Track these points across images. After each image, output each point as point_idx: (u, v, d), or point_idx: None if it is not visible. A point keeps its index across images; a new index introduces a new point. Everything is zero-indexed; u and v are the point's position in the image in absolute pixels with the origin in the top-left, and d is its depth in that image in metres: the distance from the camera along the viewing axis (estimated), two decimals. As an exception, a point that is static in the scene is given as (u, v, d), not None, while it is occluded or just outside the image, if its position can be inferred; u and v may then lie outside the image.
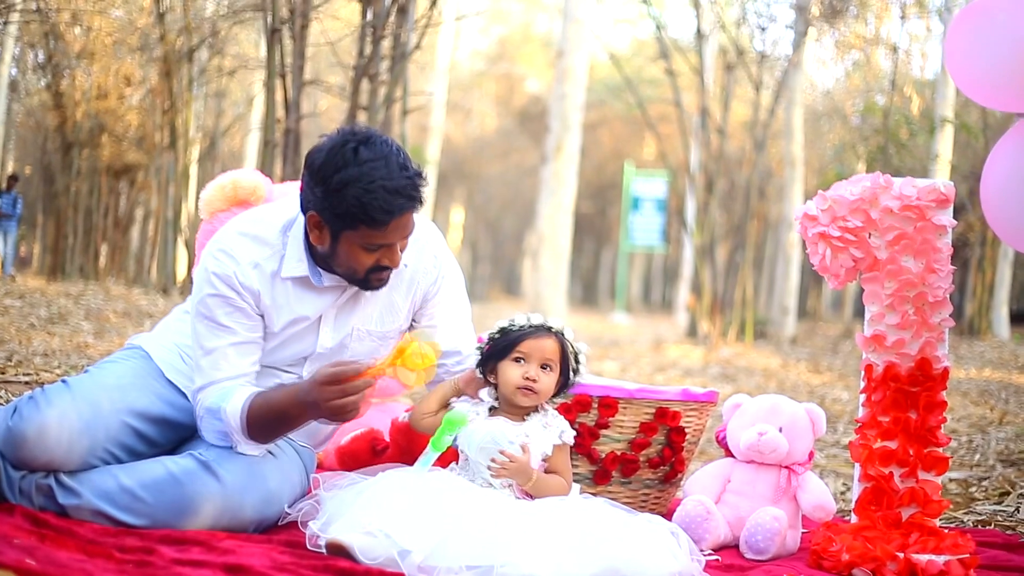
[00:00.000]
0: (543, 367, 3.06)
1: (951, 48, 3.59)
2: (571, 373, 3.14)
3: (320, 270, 3.11)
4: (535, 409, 3.12)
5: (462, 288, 3.44)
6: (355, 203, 2.88)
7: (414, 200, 2.95)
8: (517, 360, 3.07)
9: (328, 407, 2.84)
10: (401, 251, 3.06)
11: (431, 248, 3.31)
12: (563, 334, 3.11)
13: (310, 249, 3.10)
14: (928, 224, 3.24)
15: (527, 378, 3.04)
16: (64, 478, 2.85)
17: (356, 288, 3.15)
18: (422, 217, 3.21)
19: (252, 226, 3.15)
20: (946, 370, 3.29)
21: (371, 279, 3.07)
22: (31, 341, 7.07)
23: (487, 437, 3.00)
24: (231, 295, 3.05)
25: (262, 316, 3.10)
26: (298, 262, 3.09)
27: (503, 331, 3.11)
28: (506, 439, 2.99)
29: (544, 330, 3.09)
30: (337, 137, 2.96)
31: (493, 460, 2.95)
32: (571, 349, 3.12)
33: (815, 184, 21.39)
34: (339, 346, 3.21)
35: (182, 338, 3.24)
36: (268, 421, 2.96)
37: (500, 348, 3.10)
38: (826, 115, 25.29)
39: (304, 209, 3.03)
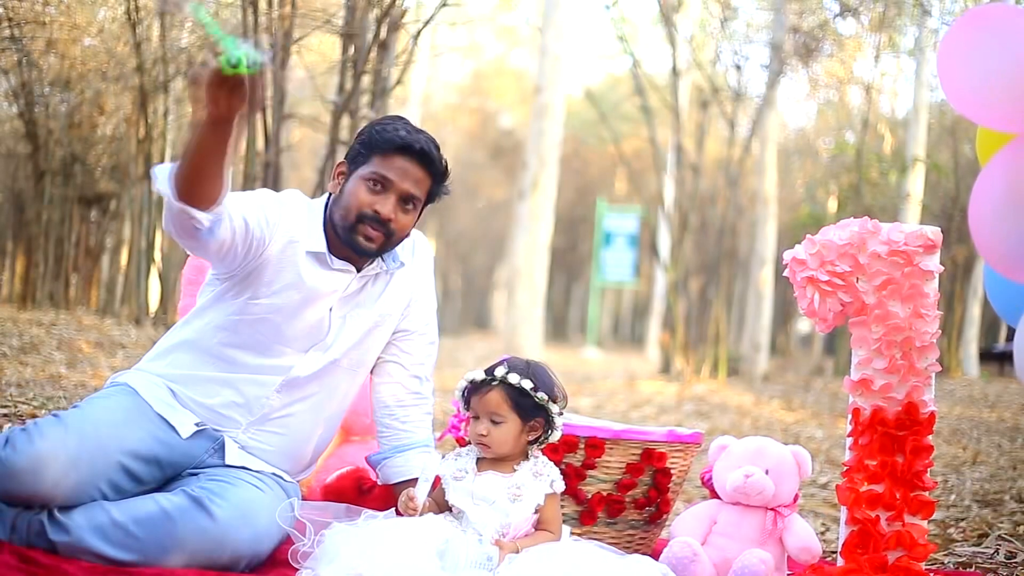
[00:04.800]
0: (493, 421, 3.07)
1: (944, 61, 3.60)
2: (547, 414, 3.11)
3: (332, 256, 3.27)
4: (524, 457, 3.13)
5: (435, 305, 3.63)
6: (377, 130, 3.23)
7: (427, 156, 3.23)
8: (476, 418, 3.11)
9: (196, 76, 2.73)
10: (398, 212, 3.23)
11: (421, 252, 3.53)
12: (507, 380, 3.07)
13: (326, 232, 3.28)
14: (915, 269, 3.26)
15: (478, 434, 3.07)
16: (56, 514, 2.83)
17: (362, 278, 3.33)
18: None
19: (293, 197, 3.35)
20: (932, 414, 3.30)
21: (359, 229, 3.21)
22: (4, 371, 7.01)
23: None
24: (267, 201, 3.22)
25: (260, 249, 3.18)
26: (317, 239, 3.26)
27: (461, 393, 3.16)
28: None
29: (484, 384, 3.09)
30: None
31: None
32: (521, 390, 3.07)
33: (787, 221, 21.52)
34: (342, 326, 3.34)
35: (168, 369, 3.26)
36: (183, 152, 2.85)
37: (466, 409, 3.17)
38: (797, 153, 25.45)
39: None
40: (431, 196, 3.34)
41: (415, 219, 3.31)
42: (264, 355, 3.25)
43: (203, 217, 2.87)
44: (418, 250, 3.51)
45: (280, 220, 3.21)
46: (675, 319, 15.30)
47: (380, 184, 3.19)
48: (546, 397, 3.09)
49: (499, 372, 3.09)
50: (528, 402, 3.07)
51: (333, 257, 3.27)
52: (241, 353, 3.24)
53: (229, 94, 2.66)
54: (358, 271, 3.32)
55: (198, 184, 2.82)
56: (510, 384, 3.06)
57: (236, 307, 3.24)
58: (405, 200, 3.23)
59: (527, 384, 3.06)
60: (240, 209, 3.05)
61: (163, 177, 2.87)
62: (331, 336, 3.31)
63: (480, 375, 3.11)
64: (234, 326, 3.24)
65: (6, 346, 8.44)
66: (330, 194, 3.34)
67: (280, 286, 3.22)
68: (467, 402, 3.14)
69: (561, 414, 3.16)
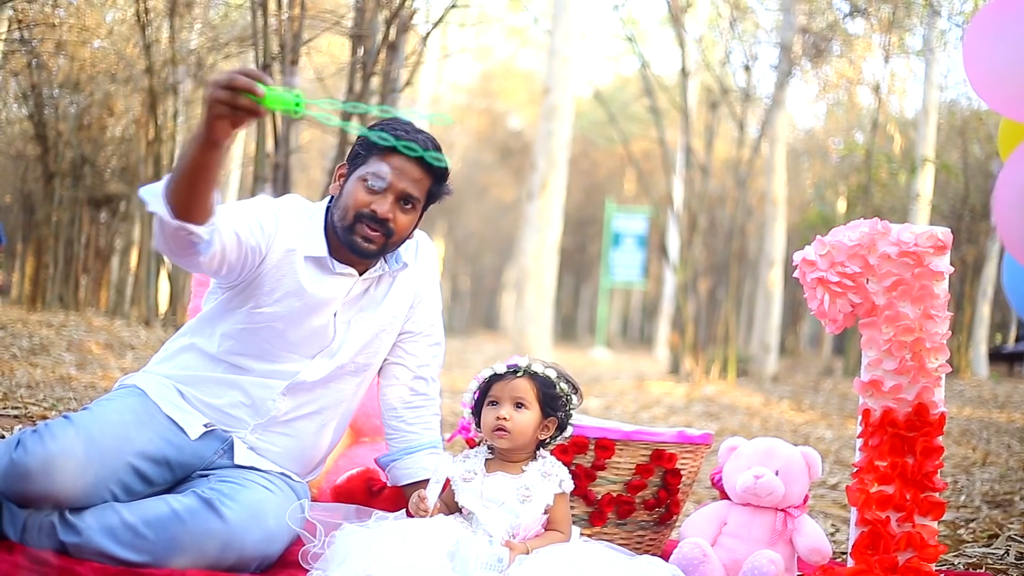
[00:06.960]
0: (517, 406, 3.07)
1: (970, 50, 3.56)
2: (564, 413, 3.13)
3: (334, 260, 3.26)
4: (532, 457, 3.13)
5: (440, 306, 3.60)
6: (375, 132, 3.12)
7: (421, 152, 3.15)
8: (492, 404, 3.10)
9: (209, 96, 2.62)
10: (397, 212, 3.21)
11: (425, 252, 3.52)
12: (531, 369, 3.11)
13: (327, 235, 3.27)
14: (926, 270, 3.25)
15: (499, 417, 3.05)
16: (67, 515, 2.83)
17: (365, 281, 3.32)
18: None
19: (292, 203, 3.34)
20: (943, 415, 3.29)
21: (357, 229, 3.19)
22: (14, 372, 7.03)
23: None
24: (262, 210, 3.20)
25: (260, 257, 3.18)
26: (318, 244, 3.24)
27: (478, 385, 3.16)
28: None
29: (511, 373, 3.11)
30: None
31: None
32: (546, 379, 3.11)
33: (796, 222, 21.50)
34: (347, 331, 3.33)
35: (176, 371, 3.27)
36: (175, 170, 2.82)
37: (479, 401, 3.15)
38: (807, 153, 25.42)
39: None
40: (432, 196, 3.32)
41: (415, 219, 3.30)
42: (271, 362, 3.26)
43: (202, 231, 2.84)
44: (421, 251, 3.51)
45: (277, 228, 3.21)
46: (684, 320, 15.28)
47: (377, 182, 3.18)
48: (568, 387, 3.13)
49: (523, 362, 3.13)
50: (550, 395, 3.10)
51: (334, 261, 3.26)
52: (247, 360, 3.25)
53: (234, 120, 2.62)
54: (360, 274, 3.32)
55: (194, 200, 2.78)
56: (535, 373, 3.10)
57: (240, 316, 3.24)
58: (404, 200, 3.21)
59: (552, 373, 3.11)
60: (229, 222, 3.03)
61: (155, 198, 2.81)
62: (337, 341, 3.31)
63: (503, 367, 3.13)
64: (239, 335, 3.24)
65: (16, 347, 8.46)
66: (332, 197, 3.34)
67: (281, 294, 3.22)
68: (484, 392, 3.14)
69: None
